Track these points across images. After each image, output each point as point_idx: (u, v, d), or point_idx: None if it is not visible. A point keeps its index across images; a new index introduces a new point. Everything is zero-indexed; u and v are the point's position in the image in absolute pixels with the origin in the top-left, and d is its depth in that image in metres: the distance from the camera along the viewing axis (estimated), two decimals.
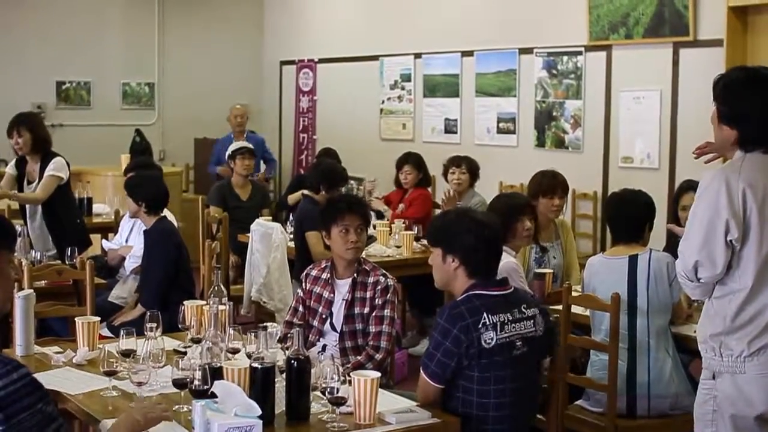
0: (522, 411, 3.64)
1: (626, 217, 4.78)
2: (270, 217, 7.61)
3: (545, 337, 3.75)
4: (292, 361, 3.29)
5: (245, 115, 10.55)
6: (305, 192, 7.24)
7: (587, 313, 4.83)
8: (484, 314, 3.49)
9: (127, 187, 5.92)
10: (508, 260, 4.96)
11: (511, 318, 3.54)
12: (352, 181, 10.67)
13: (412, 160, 8.29)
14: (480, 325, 3.46)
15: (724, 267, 3.34)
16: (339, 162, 8.53)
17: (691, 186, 5.32)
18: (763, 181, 3.31)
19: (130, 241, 6.51)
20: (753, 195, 3.30)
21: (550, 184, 5.92)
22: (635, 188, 5.01)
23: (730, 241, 3.30)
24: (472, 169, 7.76)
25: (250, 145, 8.87)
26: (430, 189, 8.71)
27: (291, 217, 7.43)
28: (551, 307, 4.93)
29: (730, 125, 3.41)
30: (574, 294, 4.73)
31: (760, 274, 3.32)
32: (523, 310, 3.61)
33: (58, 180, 6.94)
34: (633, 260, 4.58)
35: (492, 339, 3.46)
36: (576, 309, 4.79)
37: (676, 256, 3.57)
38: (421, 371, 3.57)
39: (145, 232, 5.81)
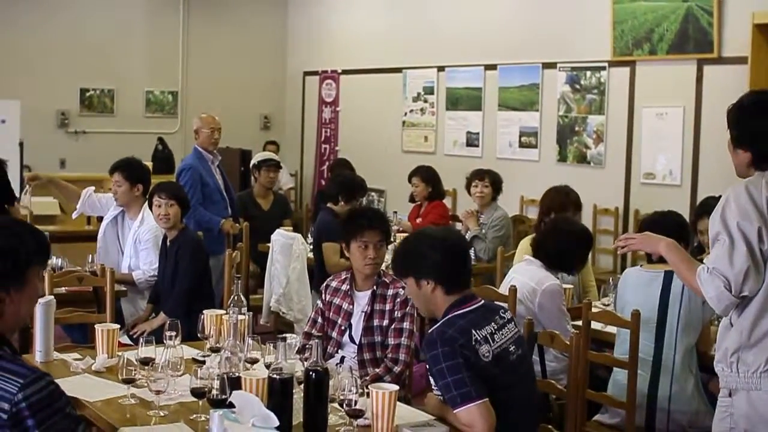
0: (528, 413, 3.59)
1: None
2: (290, 228, 7.61)
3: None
4: (311, 373, 3.27)
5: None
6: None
7: (607, 329, 4.81)
8: (473, 331, 3.40)
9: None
10: (552, 282, 4.93)
11: (496, 327, 3.49)
12: (372, 193, 10.67)
13: (420, 173, 8.36)
14: (473, 342, 3.38)
15: (765, 279, 3.29)
16: (353, 172, 8.53)
17: (706, 211, 5.26)
18: None
19: (140, 257, 6.23)
20: None
21: (563, 201, 5.94)
22: (666, 209, 4.98)
23: (762, 251, 3.27)
24: (495, 182, 7.72)
25: (277, 157, 8.82)
26: (445, 201, 8.69)
27: (312, 228, 7.43)
28: (572, 322, 4.93)
29: (744, 147, 3.42)
30: (594, 310, 4.70)
31: None
32: (502, 315, 3.58)
33: None
34: (668, 276, 4.51)
35: (489, 352, 3.39)
36: (596, 325, 4.76)
37: None
38: (453, 409, 3.32)
39: (171, 241, 5.80)
